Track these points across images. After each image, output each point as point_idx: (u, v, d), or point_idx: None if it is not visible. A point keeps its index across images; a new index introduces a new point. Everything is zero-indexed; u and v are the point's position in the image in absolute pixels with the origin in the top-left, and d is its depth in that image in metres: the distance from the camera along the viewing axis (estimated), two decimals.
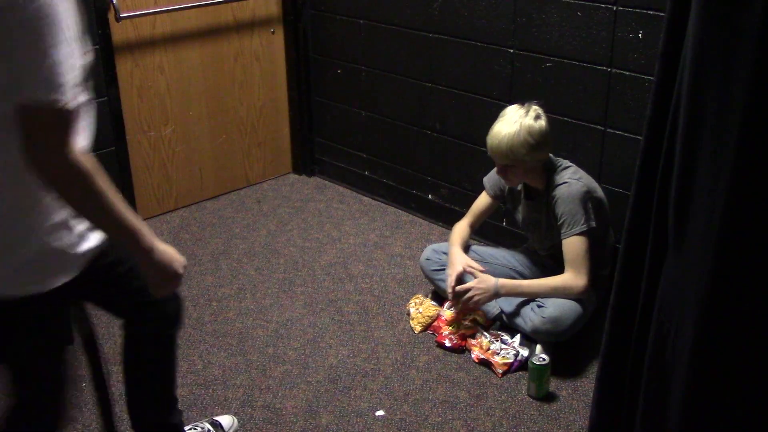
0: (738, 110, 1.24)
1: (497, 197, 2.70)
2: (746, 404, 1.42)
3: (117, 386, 2.38)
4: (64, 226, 1.42)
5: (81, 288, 1.50)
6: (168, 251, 1.48)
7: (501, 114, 2.43)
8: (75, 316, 2.61)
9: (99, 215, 1.34)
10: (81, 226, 1.46)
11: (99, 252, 1.51)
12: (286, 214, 3.53)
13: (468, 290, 2.48)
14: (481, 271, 2.55)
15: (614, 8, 2.50)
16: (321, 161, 3.90)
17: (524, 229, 2.71)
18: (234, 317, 2.73)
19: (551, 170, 2.47)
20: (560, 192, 2.40)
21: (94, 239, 1.50)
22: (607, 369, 1.77)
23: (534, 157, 2.39)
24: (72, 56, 1.23)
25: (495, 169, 2.53)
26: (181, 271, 1.51)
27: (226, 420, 2.19)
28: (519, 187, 2.59)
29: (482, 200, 2.74)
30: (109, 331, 2.67)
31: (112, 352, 2.55)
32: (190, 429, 2.11)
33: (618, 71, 2.55)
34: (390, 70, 3.34)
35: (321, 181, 3.89)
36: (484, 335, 2.52)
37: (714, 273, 1.35)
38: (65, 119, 1.23)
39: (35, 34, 1.18)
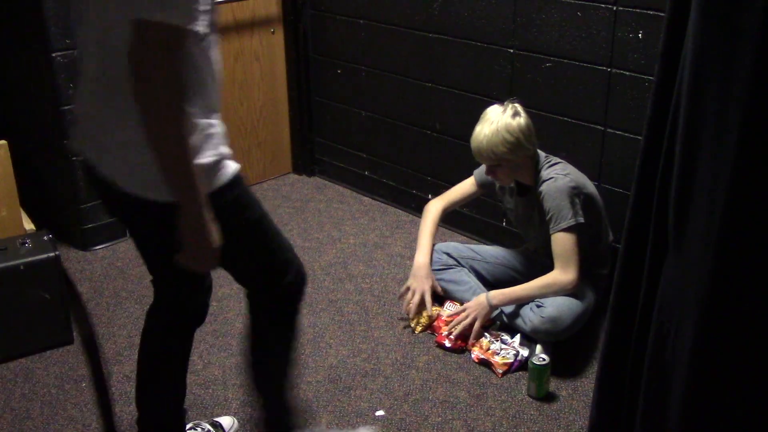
0: (738, 110, 1.24)
1: (483, 186, 2.70)
2: (746, 404, 1.42)
3: (117, 386, 2.38)
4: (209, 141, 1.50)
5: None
6: (212, 223, 1.49)
7: (482, 116, 2.44)
8: (75, 316, 2.62)
9: (170, 149, 1.38)
10: (224, 148, 1.54)
11: (229, 184, 1.55)
12: (286, 214, 3.52)
13: (462, 318, 2.51)
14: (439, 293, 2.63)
15: (614, 8, 2.50)
16: (321, 161, 3.90)
17: (519, 227, 2.71)
18: (234, 317, 2.73)
19: (539, 165, 2.47)
20: (547, 187, 2.41)
21: (231, 167, 1.56)
22: (607, 369, 1.77)
23: (518, 155, 2.40)
24: None
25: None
26: (215, 246, 1.50)
27: (226, 421, 2.19)
28: (511, 184, 2.60)
29: (466, 185, 2.75)
30: (109, 331, 2.67)
31: (112, 352, 2.55)
32: (190, 429, 2.11)
33: (618, 71, 2.55)
34: (390, 70, 3.34)
35: (321, 181, 3.89)
36: (484, 335, 2.52)
37: (714, 273, 1.35)
38: (175, 39, 1.33)
39: None
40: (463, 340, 2.52)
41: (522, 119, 2.39)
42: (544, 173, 2.45)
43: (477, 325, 2.48)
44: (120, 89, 1.41)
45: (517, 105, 2.42)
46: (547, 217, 2.41)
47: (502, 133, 2.36)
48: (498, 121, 2.37)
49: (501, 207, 3.08)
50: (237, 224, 1.58)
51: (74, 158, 3.03)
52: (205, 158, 1.49)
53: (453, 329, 2.51)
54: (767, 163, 1.26)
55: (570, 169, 2.48)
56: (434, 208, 2.78)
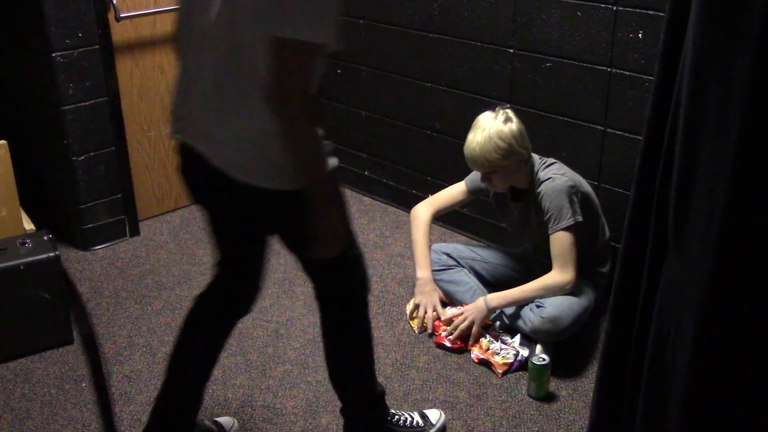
0: (738, 110, 1.24)
1: (475, 193, 2.71)
2: (746, 404, 1.42)
3: (117, 386, 2.38)
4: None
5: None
6: (339, 208, 1.69)
7: (473, 123, 2.44)
8: (75, 316, 2.63)
9: (308, 150, 1.58)
10: (325, 145, 1.67)
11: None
12: None
13: (460, 322, 2.50)
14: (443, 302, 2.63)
15: (614, 8, 2.50)
16: None
17: (516, 233, 2.70)
18: None
19: (534, 168, 2.47)
20: (545, 187, 2.41)
21: (333, 161, 1.70)
22: (607, 369, 1.77)
23: (511, 160, 2.40)
24: (330, 8, 1.49)
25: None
26: (344, 227, 1.70)
27: (226, 421, 2.19)
28: (506, 191, 2.59)
29: (455, 191, 2.74)
30: (109, 330, 2.67)
31: (112, 352, 2.55)
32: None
33: (618, 71, 2.55)
34: (390, 70, 3.34)
35: None
36: (484, 335, 2.52)
37: (714, 273, 1.35)
38: (316, 55, 1.49)
39: None
40: (463, 341, 2.52)
41: (514, 125, 2.39)
42: (542, 174, 2.45)
43: (475, 328, 2.48)
44: (244, 92, 1.55)
45: (508, 110, 2.42)
46: (546, 217, 2.41)
47: (494, 139, 2.36)
48: (490, 127, 2.37)
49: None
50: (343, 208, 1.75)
51: (74, 158, 3.03)
52: None
53: (452, 332, 2.51)
54: (767, 163, 1.26)
55: (565, 169, 2.48)
56: (423, 215, 2.76)
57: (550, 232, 2.41)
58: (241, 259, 1.95)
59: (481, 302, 2.49)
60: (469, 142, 2.41)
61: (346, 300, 1.92)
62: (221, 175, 1.64)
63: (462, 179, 2.76)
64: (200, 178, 1.74)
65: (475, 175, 2.64)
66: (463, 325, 2.49)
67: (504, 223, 2.74)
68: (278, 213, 1.72)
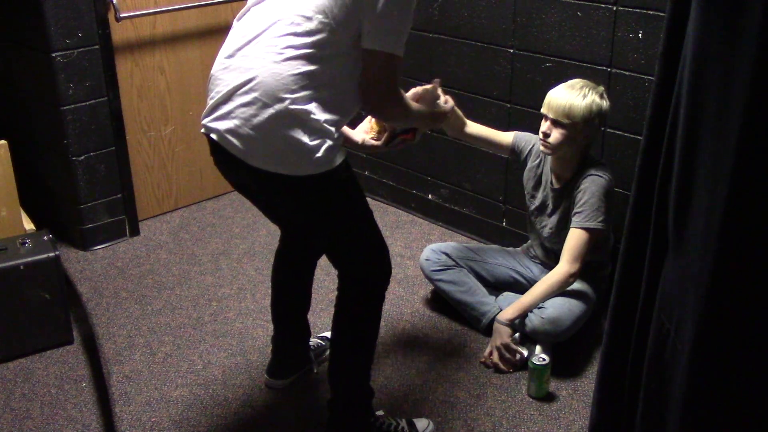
0: (738, 110, 1.24)
1: (513, 150, 2.65)
2: (746, 405, 1.42)
3: (117, 386, 2.38)
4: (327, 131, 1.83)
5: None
6: (434, 112, 2.15)
7: (569, 81, 2.43)
8: (75, 316, 2.63)
9: (410, 120, 2.04)
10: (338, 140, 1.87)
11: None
12: None
13: (492, 356, 2.48)
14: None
15: (614, 8, 2.50)
16: None
17: (533, 216, 2.64)
18: (234, 317, 2.74)
19: (587, 161, 2.46)
20: (591, 182, 2.39)
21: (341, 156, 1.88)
22: (607, 369, 1.77)
23: (584, 129, 2.37)
24: (408, 27, 1.83)
25: (531, 135, 2.55)
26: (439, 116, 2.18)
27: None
28: (541, 170, 2.57)
29: (502, 134, 2.67)
30: (109, 331, 2.67)
31: (112, 352, 2.55)
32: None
33: (618, 71, 2.55)
34: None
35: None
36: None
37: (714, 273, 1.34)
38: (396, 64, 1.83)
39: (393, 7, 1.76)
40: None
41: (607, 104, 2.40)
42: (592, 169, 2.43)
43: (509, 348, 2.46)
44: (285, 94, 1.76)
45: (603, 89, 2.43)
46: (578, 209, 2.40)
47: (586, 101, 2.35)
48: (589, 91, 2.37)
49: (502, 206, 3.08)
50: (357, 195, 1.96)
51: (74, 158, 3.03)
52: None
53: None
54: (767, 163, 1.26)
55: (610, 175, 2.47)
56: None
57: (574, 225, 2.40)
58: (290, 228, 2.22)
59: (497, 326, 2.47)
60: (561, 88, 2.39)
61: (366, 286, 2.01)
62: (262, 169, 1.82)
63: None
64: (244, 172, 1.88)
65: (527, 138, 2.62)
66: (496, 358, 2.46)
67: (529, 204, 2.67)
68: (295, 197, 1.88)
